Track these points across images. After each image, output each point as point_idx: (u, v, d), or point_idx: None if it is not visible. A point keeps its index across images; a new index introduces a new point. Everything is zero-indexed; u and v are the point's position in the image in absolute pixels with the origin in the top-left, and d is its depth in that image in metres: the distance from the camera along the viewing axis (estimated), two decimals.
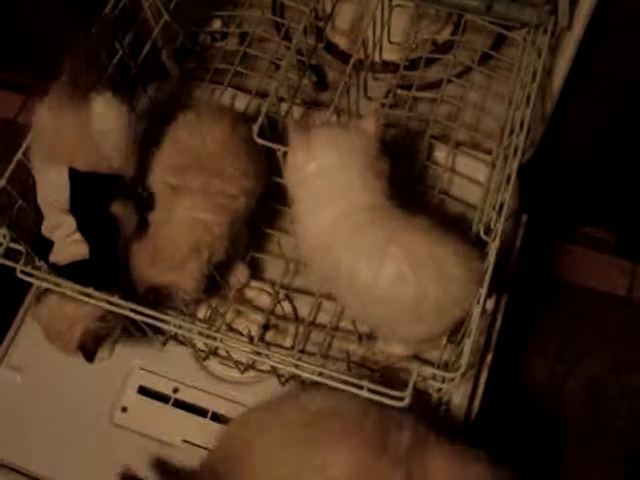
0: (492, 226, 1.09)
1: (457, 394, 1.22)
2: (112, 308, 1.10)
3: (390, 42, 1.51)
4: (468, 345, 1.01)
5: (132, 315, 1.12)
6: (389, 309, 1.07)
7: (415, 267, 1.02)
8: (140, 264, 1.14)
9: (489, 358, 1.27)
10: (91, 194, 1.15)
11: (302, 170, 1.07)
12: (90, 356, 1.14)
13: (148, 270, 1.14)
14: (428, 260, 1.03)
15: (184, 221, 1.13)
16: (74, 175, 1.14)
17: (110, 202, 1.16)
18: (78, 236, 1.12)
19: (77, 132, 1.15)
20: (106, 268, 1.14)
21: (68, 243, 1.12)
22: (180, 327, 1.10)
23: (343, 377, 1.03)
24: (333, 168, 1.06)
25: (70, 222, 1.12)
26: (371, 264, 1.03)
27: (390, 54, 1.52)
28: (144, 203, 1.22)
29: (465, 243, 1.06)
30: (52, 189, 1.15)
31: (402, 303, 1.04)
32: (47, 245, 1.14)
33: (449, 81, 1.43)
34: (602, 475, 1.55)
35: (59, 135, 1.15)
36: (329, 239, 1.05)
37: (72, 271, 1.12)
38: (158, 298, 1.12)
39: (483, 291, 1.04)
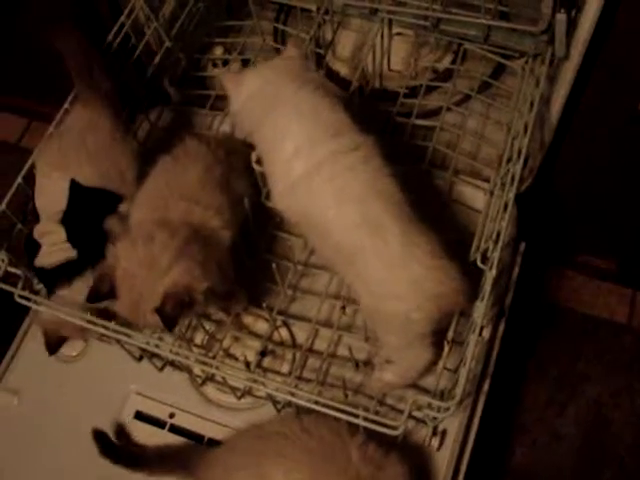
0: (489, 255, 1.09)
1: (454, 422, 1.22)
2: (108, 333, 1.10)
3: (390, 70, 1.53)
4: (463, 374, 1.02)
5: (128, 341, 1.12)
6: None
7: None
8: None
9: (486, 386, 1.26)
10: (87, 209, 1.15)
11: (246, 109, 1.10)
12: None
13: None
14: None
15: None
16: (74, 187, 1.15)
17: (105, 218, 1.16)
18: (66, 246, 1.12)
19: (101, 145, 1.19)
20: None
21: (55, 250, 1.13)
22: (177, 354, 1.11)
23: (338, 405, 1.03)
24: (272, 96, 1.08)
25: (60, 232, 1.13)
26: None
27: (390, 82, 1.54)
28: None
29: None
30: (51, 196, 1.16)
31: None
32: (35, 247, 1.15)
33: (449, 109, 1.44)
34: None
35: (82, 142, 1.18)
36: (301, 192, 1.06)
37: (57, 273, 1.12)
38: (176, 307, 1.02)
39: (479, 320, 1.05)
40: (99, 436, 1.21)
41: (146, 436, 1.25)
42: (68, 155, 1.18)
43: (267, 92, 1.09)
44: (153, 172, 1.20)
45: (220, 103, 1.49)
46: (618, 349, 1.67)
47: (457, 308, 1.09)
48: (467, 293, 1.06)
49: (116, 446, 1.22)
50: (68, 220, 1.14)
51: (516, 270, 1.40)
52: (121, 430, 1.26)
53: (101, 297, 1.05)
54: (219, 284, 1.11)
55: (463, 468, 1.22)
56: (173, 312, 1.02)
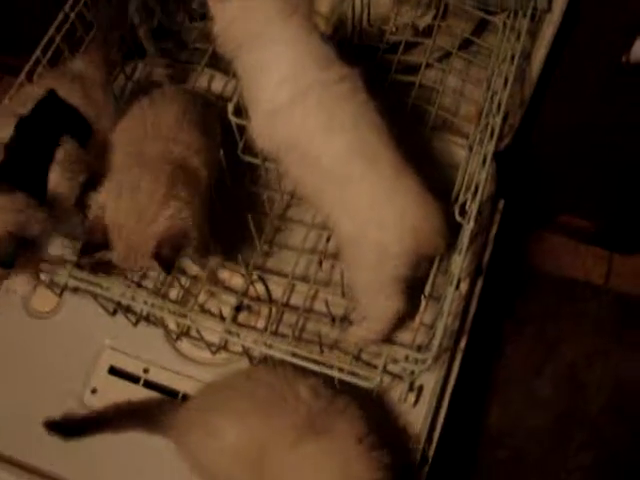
0: (467, 208, 1.08)
1: (431, 378, 1.21)
2: (80, 284, 1.08)
3: (370, 25, 1.50)
4: (440, 327, 1.01)
5: (102, 293, 1.11)
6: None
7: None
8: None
9: (463, 343, 1.26)
10: (51, 123, 1.12)
11: (230, 30, 1.07)
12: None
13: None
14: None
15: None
16: (52, 95, 1.13)
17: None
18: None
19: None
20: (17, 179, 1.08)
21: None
22: (152, 305, 1.09)
23: (315, 357, 1.02)
24: (258, 22, 1.05)
25: (8, 132, 1.08)
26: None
27: (370, 38, 1.51)
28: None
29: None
30: (22, 99, 1.14)
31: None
32: None
33: (428, 65, 1.42)
34: (573, 460, 1.55)
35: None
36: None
37: None
38: (173, 250, 1.02)
39: (456, 272, 1.04)
40: (52, 426, 1.18)
41: (120, 391, 1.23)
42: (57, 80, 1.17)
43: (253, 15, 1.06)
44: (129, 112, 1.18)
45: (196, 57, 1.47)
46: (594, 311, 1.68)
47: (435, 251, 1.09)
48: (447, 238, 1.06)
49: (74, 423, 1.20)
50: (29, 120, 1.10)
51: (494, 227, 1.39)
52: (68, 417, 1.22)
53: (95, 248, 1.04)
54: (202, 227, 1.11)
55: (439, 425, 1.22)
56: (170, 255, 1.02)
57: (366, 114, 1.06)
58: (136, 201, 1.03)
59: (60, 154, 1.11)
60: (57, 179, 1.11)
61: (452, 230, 1.13)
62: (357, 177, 1.04)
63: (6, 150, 1.07)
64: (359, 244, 1.08)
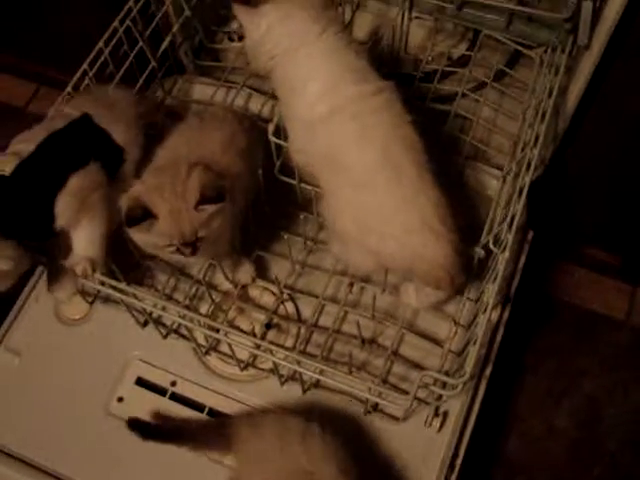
0: (502, 237, 1.10)
1: (456, 405, 1.22)
2: (114, 293, 1.09)
3: (406, 53, 1.52)
4: (473, 352, 1.01)
5: (135, 303, 1.12)
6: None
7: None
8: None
9: (488, 371, 1.26)
10: (77, 146, 1.11)
11: (265, 42, 1.10)
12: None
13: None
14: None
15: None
16: (85, 120, 1.14)
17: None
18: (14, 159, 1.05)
19: None
20: (22, 211, 1.04)
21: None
22: (184, 317, 1.10)
23: (345, 376, 1.03)
24: (294, 34, 1.09)
25: (26, 148, 1.07)
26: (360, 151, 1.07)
27: (405, 66, 1.53)
28: None
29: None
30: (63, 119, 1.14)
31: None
32: None
33: (464, 95, 1.44)
34: None
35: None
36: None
37: None
38: (216, 190, 1.04)
39: (490, 301, 1.05)
40: (134, 424, 1.17)
41: (146, 402, 1.24)
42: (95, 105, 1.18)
43: (288, 28, 1.09)
44: (176, 130, 1.19)
45: (234, 76, 1.49)
46: (615, 345, 1.68)
47: (435, 284, 1.12)
48: (452, 274, 1.10)
49: (153, 425, 1.19)
50: (49, 144, 1.08)
51: (523, 258, 1.40)
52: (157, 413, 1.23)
53: (138, 220, 1.03)
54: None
55: (462, 451, 1.22)
56: (216, 193, 1.03)
57: (399, 128, 1.09)
58: (170, 168, 1.07)
59: (78, 180, 1.08)
60: (65, 206, 1.07)
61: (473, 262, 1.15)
62: (379, 188, 1.07)
63: (17, 167, 1.04)
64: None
